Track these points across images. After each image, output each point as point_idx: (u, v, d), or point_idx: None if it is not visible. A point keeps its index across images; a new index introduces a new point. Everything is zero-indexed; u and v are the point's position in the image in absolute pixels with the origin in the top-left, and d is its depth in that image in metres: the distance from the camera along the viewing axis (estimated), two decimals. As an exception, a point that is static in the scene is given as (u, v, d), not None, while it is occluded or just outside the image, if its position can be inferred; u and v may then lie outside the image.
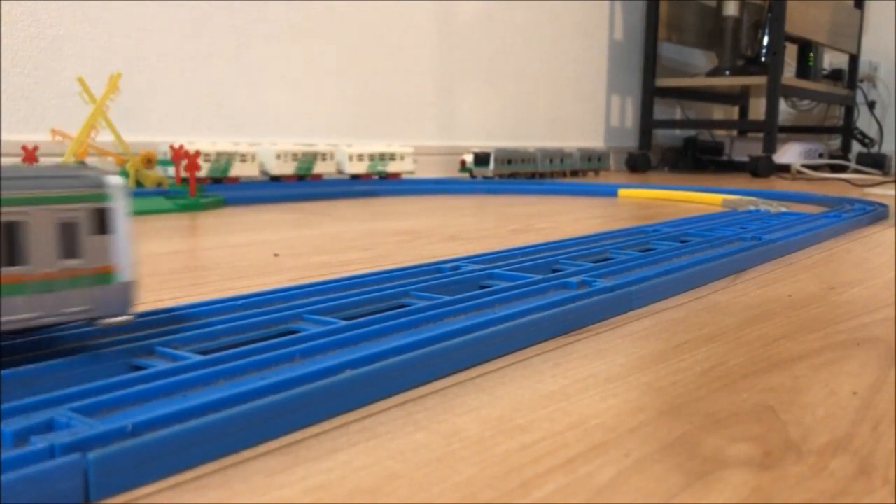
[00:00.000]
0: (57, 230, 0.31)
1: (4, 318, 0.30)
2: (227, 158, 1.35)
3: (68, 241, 0.31)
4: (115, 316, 0.34)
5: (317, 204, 1.31)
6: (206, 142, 1.38)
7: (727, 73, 2.43)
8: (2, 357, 0.33)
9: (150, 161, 1.23)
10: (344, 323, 0.40)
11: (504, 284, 0.51)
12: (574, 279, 0.51)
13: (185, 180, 1.17)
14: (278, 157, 1.44)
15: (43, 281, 0.30)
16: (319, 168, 1.51)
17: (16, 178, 0.29)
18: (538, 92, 2.22)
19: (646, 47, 2.41)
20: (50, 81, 1.25)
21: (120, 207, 0.32)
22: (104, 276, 0.32)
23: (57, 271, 0.31)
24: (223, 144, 1.36)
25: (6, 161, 1.18)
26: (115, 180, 0.33)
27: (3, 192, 0.29)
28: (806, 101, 2.89)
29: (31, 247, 0.30)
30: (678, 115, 2.80)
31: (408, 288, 0.49)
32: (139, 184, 1.20)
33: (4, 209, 0.29)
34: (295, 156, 1.46)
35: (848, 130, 2.76)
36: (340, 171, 1.56)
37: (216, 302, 0.44)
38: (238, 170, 1.37)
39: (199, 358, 0.34)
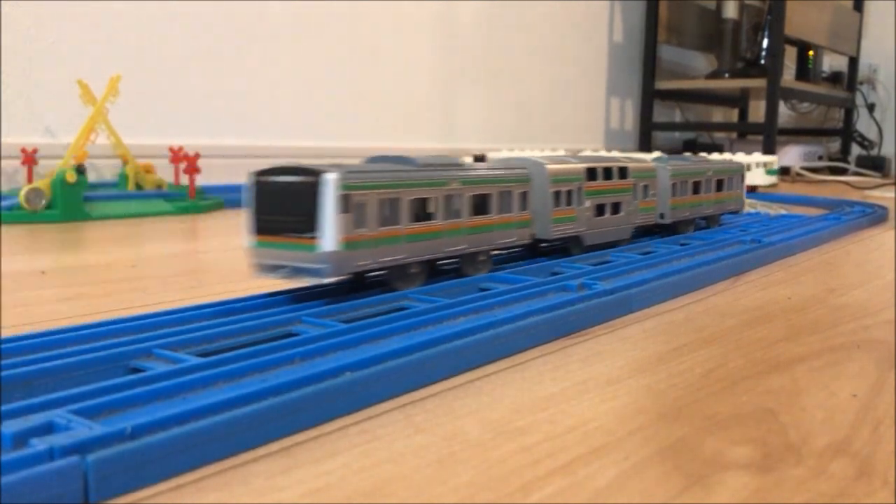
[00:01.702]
0: (730, 181, 0.87)
1: (711, 210, 0.84)
2: None
3: (736, 184, 0.88)
4: (739, 211, 0.92)
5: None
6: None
7: (727, 75, 2.43)
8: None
9: (148, 171, 1.23)
10: (343, 325, 0.40)
11: (503, 287, 0.51)
12: (574, 282, 0.51)
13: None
14: None
15: (724, 199, 0.86)
16: None
17: (716, 165, 0.85)
18: (538, 94, 2.22)
19: (645, 49, 2.41)
20: (49, 84, 1.25)
21: (744, 172, 0.92)
22: (741, 197, 0.90)
23: (726, 195, 0.86)
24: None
25: (5, 164, 1.18)
26: (741, 164, 0.92)
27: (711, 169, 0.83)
28: (805, 104, 2.89)
29: (725, 186, 0.86)
30: (678, 117, 2.80)
31: (407, 290, 0.49)
32: (139, 186, 1.20)
33: (719, 176, 0.85)
34: None
35: (847, 133, 2.76)
36: None
37: (215, 304, 0.44)
38: None
39: (198, 360, 0.34)
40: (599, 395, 0.35)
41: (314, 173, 0.42)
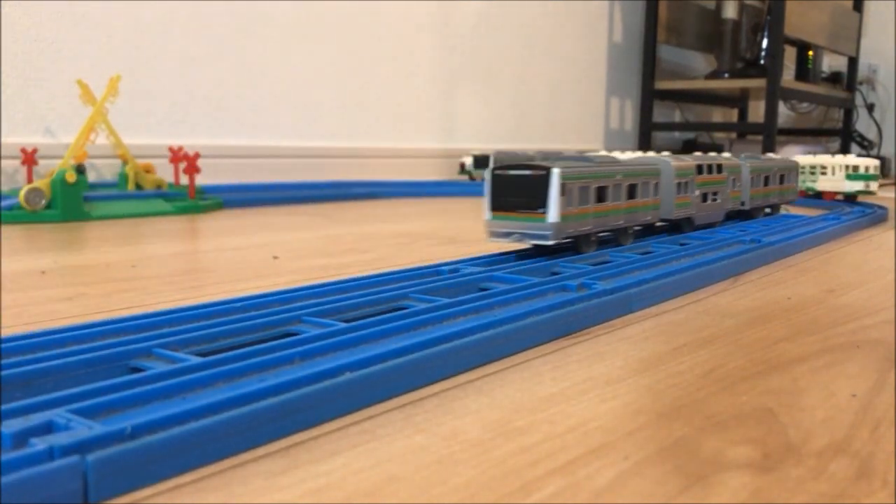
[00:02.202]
0: (788, 176, 1.03)
1: (776, 200, 1.01)
2: None
3: (793, 179, 1.05)
4: (794, 201, 1.07)
5: (315, 206, 1.32)
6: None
7: (726, 75, 2.43)
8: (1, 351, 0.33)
9: (148, 170, 1.23)
10: (343, 325, 0.40)
11: (503, 287, 0.51)
12: (573, 282, 0.51)
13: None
14: None
15: (785, 190, 1.03)
16: None
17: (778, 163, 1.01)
18: (537, 94, 2.22)
19: (645, 50, 2.41)
20: (49, 83, 1.25)
21: (798, 169, 1.07)
22: (796, 189, 1.06)
23: (786, 187, 1.03)
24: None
25: (5, 164, 1.18)
26: (796, 162, 1.06)
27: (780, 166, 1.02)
28: (805, 104, 2.89)
29: (785, 180, 1.02)
30: (677, 117, 2.81)
31: (407, 290, 0.49)
32: (139, 186, 1.20)
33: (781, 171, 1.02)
34: None
35: (847, 133, 2.76)
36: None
37: (215, 304, 0.44)
38: None
39: (198, 360, 0.34)
40: (599, 395, 0.35)
41: (543, 168, 0.60)
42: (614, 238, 0.71)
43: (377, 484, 0.26)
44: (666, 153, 1.43)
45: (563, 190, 0.60)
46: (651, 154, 0.93)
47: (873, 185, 1.26)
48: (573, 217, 0.62)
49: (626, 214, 0.69)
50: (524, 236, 0.61)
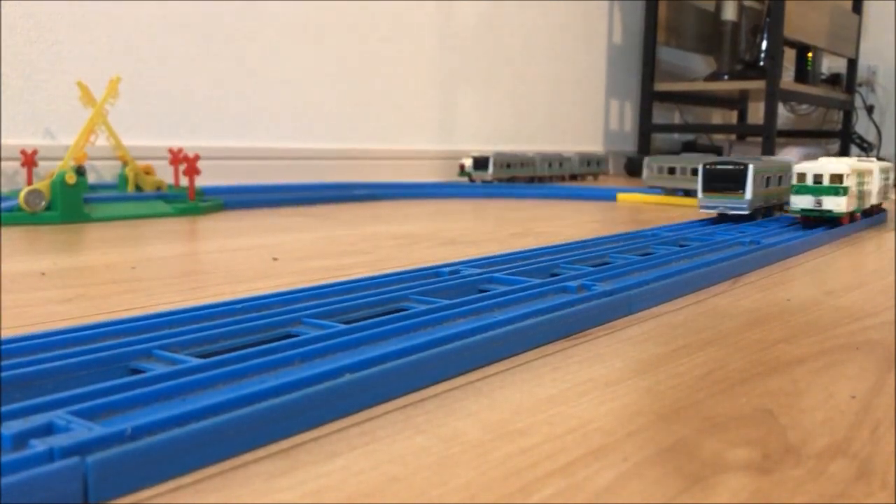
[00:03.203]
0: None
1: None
2: None
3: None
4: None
5: (315, 208, 1.32)
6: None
7: (726, 77, 2.44)
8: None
9: (148, 172, 1.23)
10: (343, 326, 0.40)
11: (503, 288, 0.51)
12: (573, 283, 0.51)
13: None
14: None
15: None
16: None
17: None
18: (537, 95, 2.23)
19: (645, 51, 2.42)
20: (49, 85, 1.25)
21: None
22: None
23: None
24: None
25: (5, 165, 1.18)
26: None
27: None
28: (804, 106, 2.89)
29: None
30: (677, 119, 2.81)
31: (407, 292, 0.49)
32: (138, 188, 1.20)
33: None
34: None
35: (846, 135, 2.76)
36: None
37: (215, 305, 0.44)
38: None
39: (198, 361, 0.34)
40: (599, 396, 0.35)
41: (742, 164, 0.92)
42: (770, 212, 1.01)
43: (377, 485, 0.26)
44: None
45: (755, 177, 0.91)
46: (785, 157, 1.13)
47: (848, 202, 0.89)
48: (758, 196, 0.93)
49: (780, 196, 1.00)
50: (726, 208, 0.92)
